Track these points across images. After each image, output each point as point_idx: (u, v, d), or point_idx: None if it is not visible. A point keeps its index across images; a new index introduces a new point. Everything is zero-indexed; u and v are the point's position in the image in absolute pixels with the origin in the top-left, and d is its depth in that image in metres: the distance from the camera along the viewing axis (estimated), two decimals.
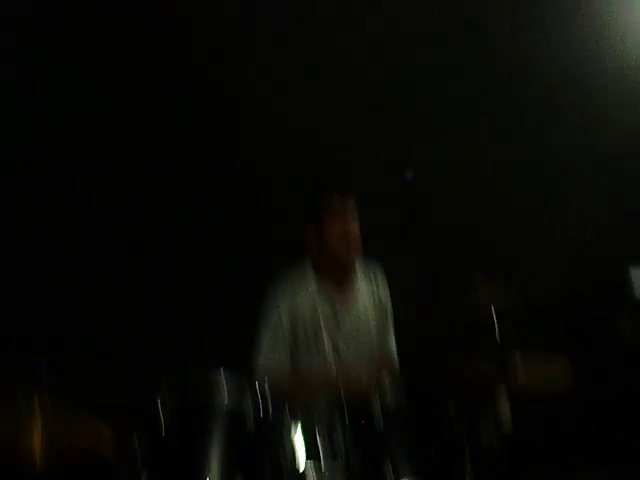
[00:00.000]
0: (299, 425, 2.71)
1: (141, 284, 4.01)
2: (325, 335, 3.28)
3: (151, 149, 4.06)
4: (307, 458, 2.67)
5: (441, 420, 2.73)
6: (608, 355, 3.99)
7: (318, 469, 2.66)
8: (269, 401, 2.64)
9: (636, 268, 3.96)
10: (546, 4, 4.35)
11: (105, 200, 4.01)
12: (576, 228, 4.30)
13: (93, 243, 4.00)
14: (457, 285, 3.06)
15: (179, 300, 4.02)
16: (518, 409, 2.90)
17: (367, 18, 4.22)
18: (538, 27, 4.34)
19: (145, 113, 4.03)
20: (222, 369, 2.65)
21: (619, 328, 3.86)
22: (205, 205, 4.14)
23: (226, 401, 2.60)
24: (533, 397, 2.93)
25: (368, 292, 3.41)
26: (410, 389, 2.77)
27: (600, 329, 3.97)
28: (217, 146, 4.16)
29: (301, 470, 2.65)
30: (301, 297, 3.27)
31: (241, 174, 4.17)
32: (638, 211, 4.30)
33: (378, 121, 4.27)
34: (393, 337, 3.49)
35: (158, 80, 4.10)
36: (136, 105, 4.02)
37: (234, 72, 4.14)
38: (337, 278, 3.32)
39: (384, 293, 3.46)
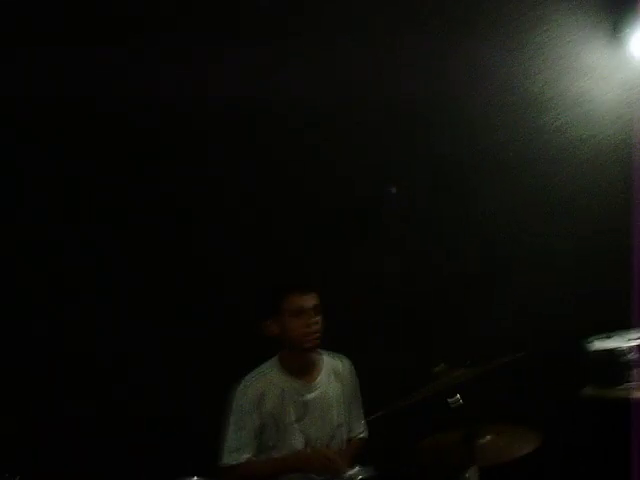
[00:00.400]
0: None
1: (105, 393, 3.96)
2: (295, 426, 3.34)
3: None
4: None
5: None
6: (574, 424, 4.08)
7: None
8: None
9: (593, 338, 4.06)
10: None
11: None
12: (532, 303, 4.31)
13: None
14: (420, 367, 3.12)
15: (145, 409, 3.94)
16: None
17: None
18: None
19: None
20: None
21: (581, 396, 3.99)
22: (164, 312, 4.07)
23: None
24: (502, 471, 3.00)
25: (334, 381, 3.47)
26: (380, 469, 2.84)
27: (564, 399, 4.05)
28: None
29: None
30: (268, 391, 3.34)
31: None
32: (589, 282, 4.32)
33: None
34: (363, 420, 3.56)
35: None
36: None
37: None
38: (302, 369, 3.41)
39: (351, 380, 3.53)
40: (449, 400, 3.01)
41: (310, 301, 3.37)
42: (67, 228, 3.99)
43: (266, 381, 3.36)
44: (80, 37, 3.93)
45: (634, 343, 3.89)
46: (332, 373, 3.48)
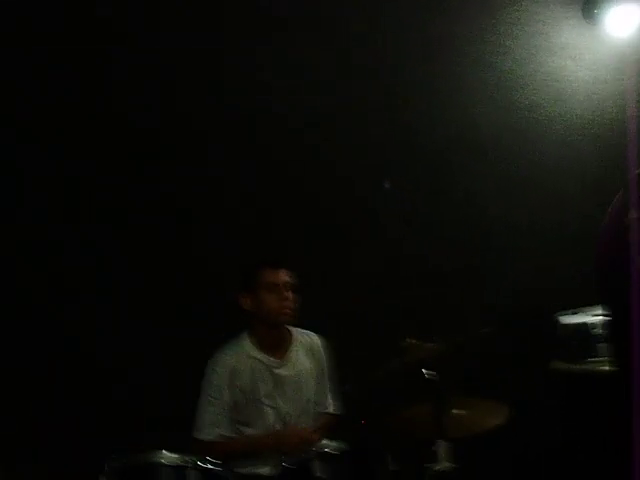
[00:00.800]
0: None
1: (81, 366, 3.97)
2: (266, 402, 3.36)
3: None
4: None
5: (381, 472, 2.88)
6: (544, 397, 4.10)
7: None
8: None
9: (560, 314, 4.11)
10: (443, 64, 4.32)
11: None
12: (508, 281, 4.33)
13: None
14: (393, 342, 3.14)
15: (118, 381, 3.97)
16: (457, 455, 2.98)
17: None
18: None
19: None
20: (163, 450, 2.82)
21: (550, 370, 4.01)
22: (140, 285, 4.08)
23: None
24: (471, 442, 3.02)
25: (306, 357, 3.51)
26: (350, 442, 2.89)
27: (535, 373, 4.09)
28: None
29: None
30: (240, 366, 3.37)
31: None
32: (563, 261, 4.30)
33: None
34: (334, 395, 3.58)
35: None
36: None
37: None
38: (274, 344, 3.44)
39: (323, 356, 3.56)
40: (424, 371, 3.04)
41: (283, 276, 3.41)
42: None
43: (238, 356, 3.38)
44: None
45: (600, 318, 3.89)
46: (304, 349, 3.51)
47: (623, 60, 4.25)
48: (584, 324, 3.97)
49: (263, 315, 3.40)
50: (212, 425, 3.30)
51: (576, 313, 4.08)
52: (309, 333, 3.58)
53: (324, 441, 3.00)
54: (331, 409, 3.57)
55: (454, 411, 3.07)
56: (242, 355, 3.40)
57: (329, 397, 3.57)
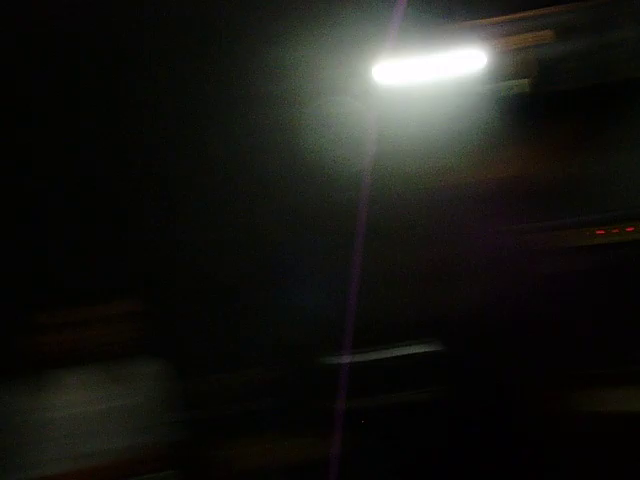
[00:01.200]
0: None
1: None
2: (30, 448, 3.13)
3: None
4: None
5: None
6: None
7: None
8: None
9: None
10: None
11: None
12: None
13: None
14: None
15: None
16: None
17: None
18: None
19: None
20: None
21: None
22: None
23: None
24: None
25: (121, 388, 3.26)
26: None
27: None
28: None
29: None
30: (27, 408, 3.17)
31: None
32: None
33: None
34: (165, 423, 3.35)
35: None
36: None
37: None
38: (68, 384, 3.22)
39: (147, 386, 3.31)
40: None
41: (85, 313, 3.26)
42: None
43: (27, 398, 3.18)
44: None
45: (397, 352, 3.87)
46: (116, 382, 3.28)
47: (389, 109, 4.18)
48: (385, 359, 3.89)
49: (47, 354, 3.20)
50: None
51: (377, 350, 3.95)
52: (136, 363, 3.31)
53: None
54: (158, 439, 3.30)
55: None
56: (28, 396, 3.19)
57: (155, 427, 3.30)
